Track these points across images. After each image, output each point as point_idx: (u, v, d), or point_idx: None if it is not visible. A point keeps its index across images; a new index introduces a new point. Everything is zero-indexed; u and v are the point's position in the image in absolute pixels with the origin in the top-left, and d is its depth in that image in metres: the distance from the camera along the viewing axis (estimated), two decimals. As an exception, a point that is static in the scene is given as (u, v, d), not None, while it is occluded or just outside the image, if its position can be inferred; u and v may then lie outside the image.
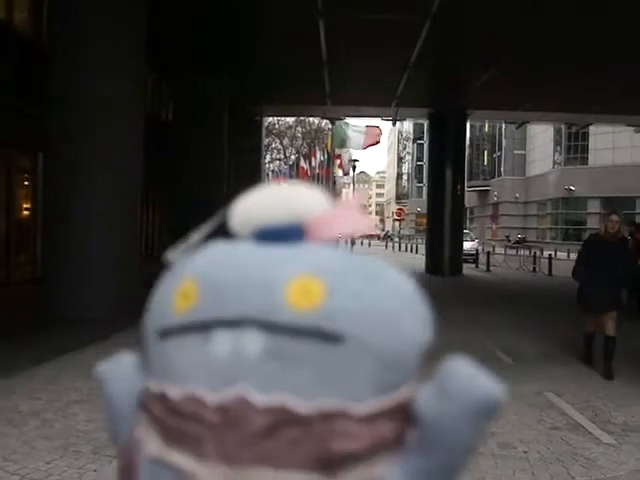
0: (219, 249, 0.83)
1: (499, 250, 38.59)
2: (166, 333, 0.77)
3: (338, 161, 43.04)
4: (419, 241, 46.85)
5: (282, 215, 0.83)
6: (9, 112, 12.18)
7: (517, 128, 39.62)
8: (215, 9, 14.58)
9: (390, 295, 0.77)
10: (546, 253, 32.30)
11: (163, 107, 21.10)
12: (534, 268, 27.66)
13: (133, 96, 11.48)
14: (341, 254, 0.80)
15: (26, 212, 14.12)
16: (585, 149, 48.44)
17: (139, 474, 0.77)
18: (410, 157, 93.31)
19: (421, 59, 18.10)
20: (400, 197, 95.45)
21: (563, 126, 44.33)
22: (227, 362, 0.72)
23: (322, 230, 0.82)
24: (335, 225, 0.83)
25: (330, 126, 38.05)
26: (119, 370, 0.88)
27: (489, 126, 63.87)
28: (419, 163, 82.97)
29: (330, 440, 0.69)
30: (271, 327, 0.72)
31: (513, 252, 34.48)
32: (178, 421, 0.72)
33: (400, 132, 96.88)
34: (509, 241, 48.67)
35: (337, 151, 39.88)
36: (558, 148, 51.72)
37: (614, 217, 8.01)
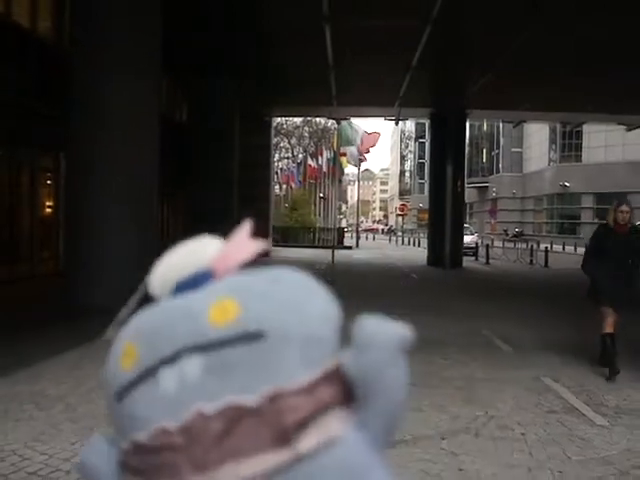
0: (145, 311, 0.90)
1: (497, 243, 38.55)
2: (121, 394, 0.82)
3: (344, 158, 42.98)
4: (421, 235, 46.78)
5: (189, 268, 0.91)
6: (32, 114, 12.24)
7: (514, 127, 39.57)
8: (228, 16, 14.59)
9: (293, 288, 0.84)
10: (542, 246, 32.25)
11: (177, 108, 21.13)
12: (531, 260, 27.63)
13: (149, 99, 11.52)
14: (247, 274, 0.88)
15: (49, 209, 14.19)
16: (579, 147, 48.28)
17: None
18: (412, 155, 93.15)
19: (422, 62, 18.08)
20: (403, 193, 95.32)
21: (558, 125, 44.20)
22: (176, 392, 0.79)
23: (224, 266, 0.89)
24: (232, 257, 0.90)
25: (336, 126, 38.06)
26: (95, 454, 0.90)
27: (488, 125, 63.70)
28: (421, 161, 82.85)
29: (280, 418, 0.75)
30: (203, 348, 0.79)
31: (511, 245, 34.43)
32: (153, 458, 0.78)
33: (403, 131, 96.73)
34: (507, 235, 48.58)
35: (342, 149, 39.83)
36: (553, 146, 51.57)
37: (624, 207, 7.43)
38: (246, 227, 0.95)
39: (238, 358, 0.79)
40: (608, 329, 7.10)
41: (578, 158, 48.39)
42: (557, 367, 7.43)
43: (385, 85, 21.37)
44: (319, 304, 0.85)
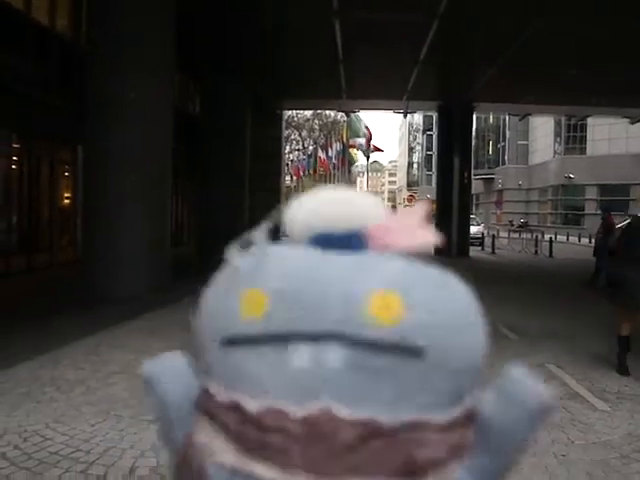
0: (285, 255, 0.76)
1: (503, 234, 38.41)
2: (232, 342, 0.71)
3: (354, 150, 42.92)
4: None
5: (343, 222, 0.77)
6: (52, 109, 12.30)
7: (520, 120, 39.30)
8: (238, 10, 14.57)
9: (460, 303, 0.75)
10: (547, 236, 32.13)
11: (189, 103, 21.15)
12: (536, 250, 27.53)
13: (163, 95, 11.56)
14: (412, 266, 0.76)
15: (67, 200, 14.28)
16: (583, 140, 47.96)
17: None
18: (420, 147, 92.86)
19: (430, 56, 18.00)
20: (411, 184, 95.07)
21: (563, 118, 43.90)
22: (308, 375, 0.68)
23: (382, 240, 0.76)
24: (396, 235, 0.77)
25: (345, 118, 37.99)
26: (172, 370, 0.80)
27: (494, 118, 63.37)
28: (428, 153, 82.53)
29: (413, 450, 0.68)
30: (353, 342, 0.68)
31: (516, 236, 34.31)
32: (258, 433, 0.68)
33: (411, 124, 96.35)
34: (512, 225, 48.40)
35: (351, 141, 39.79)
36: (558, 139, 51.26)
37: None
38: (423, 208, 0.81)
39: (386, 369, 0.69)
40: (628, 332, 6.73)
41: (582, 150, 48.09)
42: (561, 355, 7.44)
43: (393, 78, 21.29)
44: (479, 334, 0.75)
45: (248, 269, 0.75)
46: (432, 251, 0.78)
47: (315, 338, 0.68)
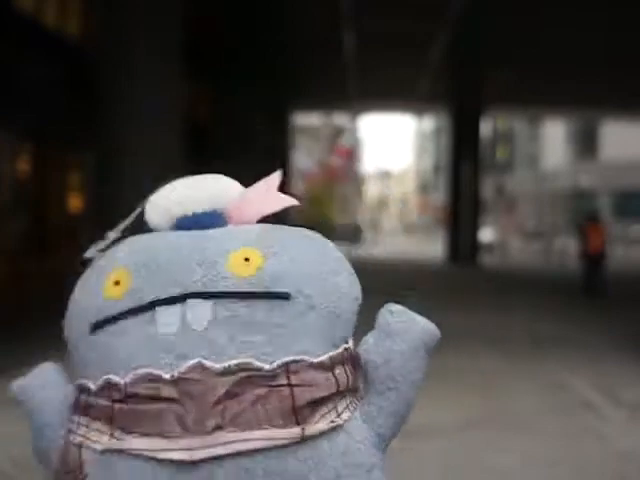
0: (144, 239, 0.79)
1: (514, 240, 38.25)
2: (100, 324, 0.72)
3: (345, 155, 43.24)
4: (438, 231, 46.66)
5: (198, 203, 0.79)
6: (63, 113, 12.39)
7: (531, 125, 39.19)
8: (249, 15, 14.63)
9: (323, 255, 0.77)
10: (558, 243, 31.97)
11: (200, 108, 21.22)
12: (547, 257, 27.41)
13: (173, 102, 11.65)
14: (272, 228, 0.79)
15: (77, 205, 14.36)
16: (595, 145, 47.76)
17: (86, 474, 0.71)
18: (430, 152, 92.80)
19: (440, 61, 18.02)
20: (420, 190, 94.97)
21: (575, 123, 43.76)
22: (177, 338, 0.68)
23: (242, 213, 0.80)
24: (254, 206, 0.80)
25: (350, 126, 38.07)
26: (42, 382, 0.79)
27: (504, 123, 63.24)
28: (438, 158, 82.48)
29: (293, 392, 0.68)
30: (218, 296, 0.69)
31: (527, 242, 34.15)
32: (131, 406, 0.68)
33: (420, 129, 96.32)
34: (523, 232, 48.19)
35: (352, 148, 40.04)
36: (569, 144, 51.07)
37: None
38: (275, 177, 0.84)
39: (256, 316, 0.69)
40: None
41: (594, 156, 47.88)
42: (575, 361, 7.37)
43: (404, 83, 21.35)
44: (347, 279, 0.78)
45: (107, 256, 0.79)
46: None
47: (180, 301, 0.69)
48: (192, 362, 0.67)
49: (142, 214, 0.84)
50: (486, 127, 38.54)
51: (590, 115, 29.40)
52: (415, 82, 21.07)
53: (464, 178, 24.33)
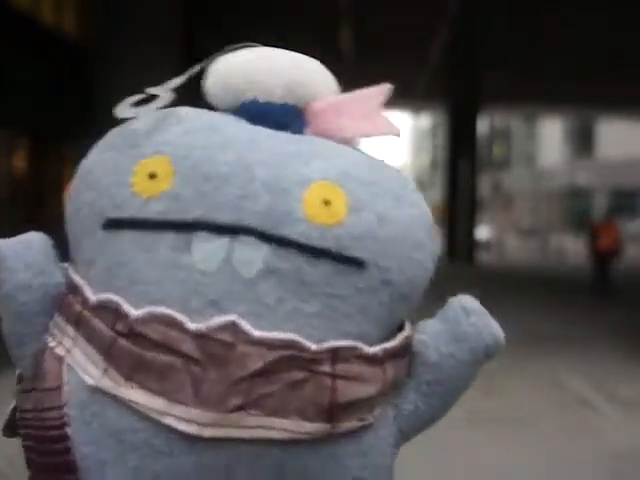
0: (203, 122, 0.59)
1: (510, 238, 38.30)
2: (117, 224, 0.55)
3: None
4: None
5: (279, 91, 0.60)
6: (60, 106, 12.39)
7: (528, 123, 39.21)
8: (243, 10, 14.63)
9: (414, 223, 0.61)
10: (555, 240, 32.04)
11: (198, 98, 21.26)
12: (544, 255, 27.47)
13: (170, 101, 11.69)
14: (364, 159, 0.61)
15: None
16: (592, 143, 47.83)
17: (65, 399, 0.55)
18: (427, 150, 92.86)
19: (438, 59, 18.03)
20: (417, 187, 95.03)
21: (571, 121, 43.82)
22: (214, 280, 0.53)
23: (327, 123, 0.60)
24: (348, 118, 0.61)
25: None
26: (27, 258, 0.61)
27: (501, 120, 63.29)
28: (435, 155, 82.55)
29: (336, 384, 0.55)
30: (278, 242, 0.54)
31: (524, 240, 34.21)
32: (136, 347, 0.52)
33: (417, 126, 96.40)
34: (520, 229, 48.26)
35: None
36: (566, 142, 51.14)
37: None
38: (384, 91, 0.63)
39: (315, 279, 0.54)
40: None
41: (591, 154, 47.97)
42: (572, 359, 7.39)
43: (400, 80, 21.04)
44: (430, 256, 0.63)
45: (146, 130, 0.58)
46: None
47: (230, 232, 0.53)
48: (226, 318, 0.52)
49: (201, 74, 0.63)
50: (483, 125, 38.60)
51: (587, 114, 29.42)
52: (412, 80, 21.05)
53: (461, 176, 24.37)
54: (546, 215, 55.48)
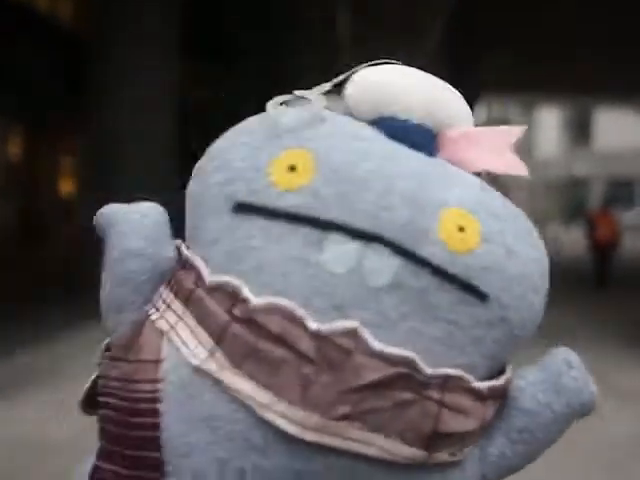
0: (344, 127, 0.59)
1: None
2: (249, 209, 0.55)
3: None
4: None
5: (420, 111, 0.61)
6: (58, 99, 12.35)
7: (525, 112, 39.18)
8: (242, 8, 14.57)
9: (534, 264, 0.62)
10: (552, 231, 32.09)
11: (196, 93, 21.16)
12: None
13: (167, 84, 11.60)
14: (496, 193, 0.62)
15: (69, 190, 14.32)
16: (590, 133, 47.82)
17: (162, 375, 0.54)
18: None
19: (436, 44, 17.99)
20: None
21: (569, 111, 43.79)
22: (342, 283, 0.52)
23: (458, 152, 0.61)
24: (480, 151, 0.62)
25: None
26: (141, 226, 0.60)
27: (499, 108, 63.23)
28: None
29: (441, 413, 0.54)
30: (411, 258, 0.53)
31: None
32: (252, 336, 0.52)
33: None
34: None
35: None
36: (564, 132, 51.13)
37: None
38: (517, 133, 0.67)
39: (441, 304, 0.54)
40: None
41: (588, 144, 47.97)
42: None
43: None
44: (541, 302, 0.64)
45: (293, 125, 0.57)
46: None
47: (361, 238, 0.52)
48: (349, 324, 0.51)
49: (344, 82, 0.62)
50: (480, 114, 38.50)
51: (584, 103, 29.40)
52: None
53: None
54: (543, 205, 55.55)
